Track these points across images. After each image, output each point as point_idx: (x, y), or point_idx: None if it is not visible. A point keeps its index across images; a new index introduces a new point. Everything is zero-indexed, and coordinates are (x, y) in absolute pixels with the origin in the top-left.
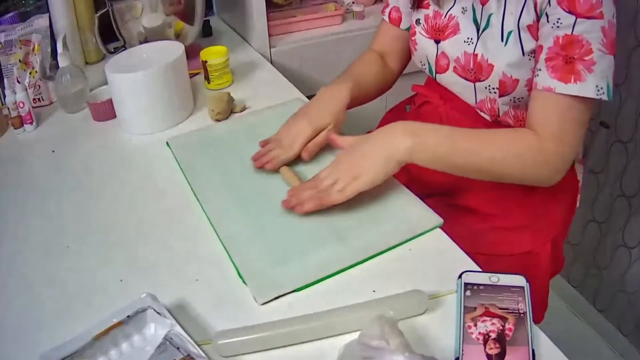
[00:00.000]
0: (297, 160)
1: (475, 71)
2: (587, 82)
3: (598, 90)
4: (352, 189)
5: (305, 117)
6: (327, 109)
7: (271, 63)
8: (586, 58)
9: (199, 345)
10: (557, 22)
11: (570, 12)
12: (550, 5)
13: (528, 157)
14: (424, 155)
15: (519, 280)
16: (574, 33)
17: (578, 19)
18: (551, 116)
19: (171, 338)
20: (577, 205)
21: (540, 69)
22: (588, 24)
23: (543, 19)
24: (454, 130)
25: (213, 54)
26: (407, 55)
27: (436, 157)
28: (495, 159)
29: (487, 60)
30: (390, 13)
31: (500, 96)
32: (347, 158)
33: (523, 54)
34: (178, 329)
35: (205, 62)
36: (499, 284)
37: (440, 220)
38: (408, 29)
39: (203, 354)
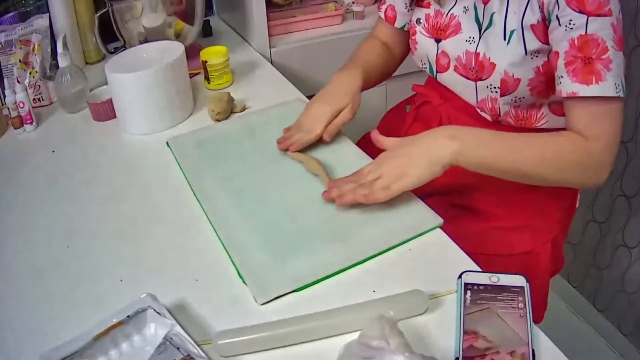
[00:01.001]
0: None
1: (477, 70)
2: (608, 81)
3: (617, 87)
4: (397, 188)
5: (323, 100)
6: (344, 91)
7: (271, 63)
8: (603, 57)
9: (199, 345)
10: (570, 23)
11: (580, 12)
12: (559, 7)
13: (575, 159)
14: (469, 159)
15: (519, 280)
16: (587, 33)
17: (589, 18)
18: (583, 120)
19: (171, 338)
20: (577, 205)
21: (562, 76)
22: (599, 21)
23: (554, 23)
24: (499, 135)
25: (213, 54)
26: (407, 44)
27: (482, 161)
28: (542, 163)
29: (489, 59)
30: (386, 11)
31: (501, 95)
32: (392, 157)
33: (525, 53)
34: (178, 329)
35: (205, 62)
36: (499, 284)
37: (440, 220)
38: (403, 27)
39: (203, 354)
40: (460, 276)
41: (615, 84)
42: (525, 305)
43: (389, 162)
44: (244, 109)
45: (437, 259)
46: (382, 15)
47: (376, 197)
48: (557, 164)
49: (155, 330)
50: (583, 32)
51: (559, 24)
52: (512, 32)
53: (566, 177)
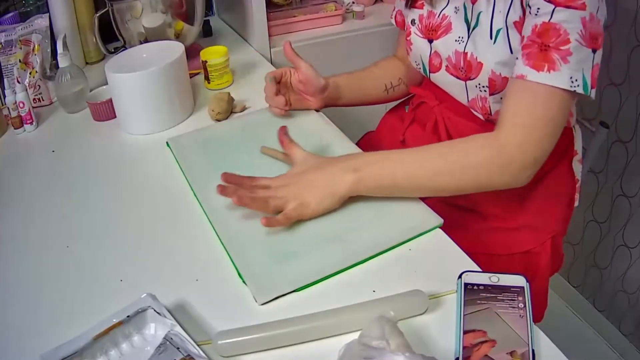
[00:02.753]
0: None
1: (466, 70)
2: (561, 72)
3: (572, 82)
4: (296, 215)
5: None
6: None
7: (271, 63)
8: (562, 47)
9: (199, 345)
10: (537, 11)
11: (549, 1)
12: None
13: (487, 163)
14: (367, 188)
15: (519, 280)
16: (551, 21)
17: (557, 8)
18: (521, 105)
19: (171, 338)
20: (577, 203)
21: (517, 57)
22: (567, 13)
23: (527, 11)
24: (401, 156)
25: (213, 54)
26: None
27: (380, 187)
28: (450, 176)
29: (476, 58)
30: (395, 17)
31: (490, 94)
32: (296, 182)
33: (511, 51)
34: (178, 329)
35: (205, 62)
36: (499, 284)
37: (440, 220)
38: None
39: (203, 354)
40: (460, 276)
41: (571, 77)
42: (525, 305)
43: (292, 188)
44: (244, 109)
45: (437, 259)
46: (394, 22)
47: (279, 223)
48: (467, 174)
49: (155, 330)
50: (547, 20)
51: (530, 12)
52: (498, 31)
53: (482, 183)
